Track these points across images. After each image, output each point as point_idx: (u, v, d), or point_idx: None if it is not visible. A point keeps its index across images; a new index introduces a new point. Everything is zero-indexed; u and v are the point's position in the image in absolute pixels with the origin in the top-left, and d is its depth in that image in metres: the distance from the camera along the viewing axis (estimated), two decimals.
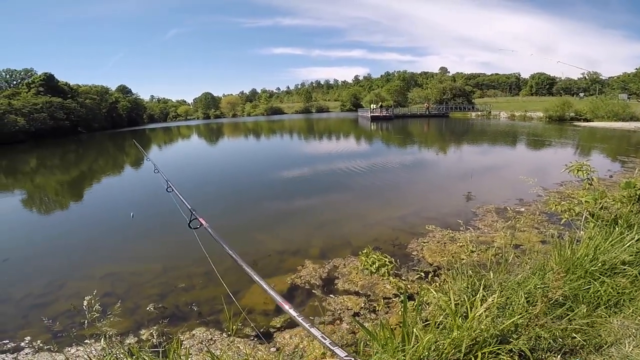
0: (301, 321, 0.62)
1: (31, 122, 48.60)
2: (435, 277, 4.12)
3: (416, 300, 2.69)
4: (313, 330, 0.60)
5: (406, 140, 22.70)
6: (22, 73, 61.69)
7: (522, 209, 6.53)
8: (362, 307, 3.74)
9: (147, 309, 4.07)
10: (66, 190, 13.83)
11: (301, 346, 3.17)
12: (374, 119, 43.38)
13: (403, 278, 4.25)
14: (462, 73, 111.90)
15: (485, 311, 1.94)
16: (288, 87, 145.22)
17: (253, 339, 3.35)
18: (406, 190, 9.47)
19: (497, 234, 5.29)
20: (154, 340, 3.37)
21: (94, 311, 2.41)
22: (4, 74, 61.15)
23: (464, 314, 2.14)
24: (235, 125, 60.80)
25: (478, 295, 2.18)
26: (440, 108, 49.37)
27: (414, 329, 2.04)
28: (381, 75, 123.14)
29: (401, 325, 2.07)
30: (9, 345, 3.57)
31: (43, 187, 14.79)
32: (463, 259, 4.03)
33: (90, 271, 5.44)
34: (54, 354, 3.29)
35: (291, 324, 3.53)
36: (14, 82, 60.74)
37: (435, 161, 14.87)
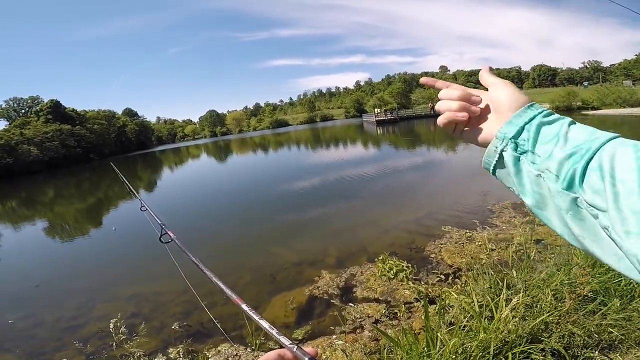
0: (252, 314, 0.65)
1: (44, 151, 49.43)
2: (456, 279, 4.04)
3: (438, 304, 2.64)
4: (262, 322, 0.63)
5: (414, 142, 22.58)
6: (29, 101, 63.02)
7: None
8: (382, 314, 3.68)
9: (173, 327, 4.11)
10: (85, 217, 14.15)
11: (323, 357, 3.15)
12: (379, 123, 43.36)
13: (423, 282, 4.17)
14: (463, 70, 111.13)
15: (511, 311, 1.89)
16: (291, 99, 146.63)
17: None
18: (419, 192, 9.38)
19: (516, 230, 5.17)
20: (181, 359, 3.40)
21: (120, 333, 2.40)
22: (11, 102, 62.70)
23: (489, 316, 2.09)
24: (243, 141, 61.35)
25: (502, 295, 2.13)
26: None
27: (438, 333, 2.00)
28: (382, 79, 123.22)
29: (425, 330, 2.03)
30: None
31: (63, 215, 15.17)
32: (483, 259, 3.95)
33: (116, 293, 5.55)
34: None
35: (312, 336, 3.54)
36: (22, 111, 61.97)
37: (445, 160, 14.72)
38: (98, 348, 3.86)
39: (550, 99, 32.62)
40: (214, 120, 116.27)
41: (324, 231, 7.08)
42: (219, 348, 3.60)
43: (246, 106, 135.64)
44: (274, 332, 0.58)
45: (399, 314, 3.60)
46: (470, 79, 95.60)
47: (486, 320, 2.02)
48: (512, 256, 3.00)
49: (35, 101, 62.62)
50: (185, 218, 10.59)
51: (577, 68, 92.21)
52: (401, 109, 59.40)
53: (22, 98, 63.53)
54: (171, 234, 1.50)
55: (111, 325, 2.39)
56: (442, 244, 5.19)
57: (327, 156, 22.06)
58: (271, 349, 2.22)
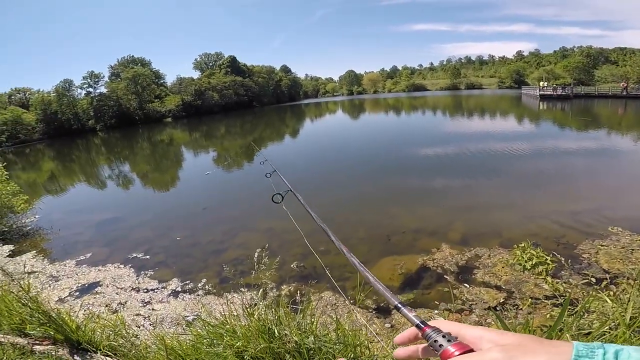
0: (361, 268, 0.79)
1: (222, 97, 62.16)
2: (611, 286, 3.37)
3: (579, 306, 2.20)
4: (368, 275, 0.73)
5: (589, 123, 17.79)
6: (214, 56, 76.90)
7: None
8: (499, 303, 3.41)
9: (292, 266, 4.56)
10: (243, 152, 17.18)
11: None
12: (543, 97, 36.39)
13: (564, 281, 3.63)
14: None
15: None
16: (432, 64, 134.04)
17: (371, 311, 3.44)
18: (584, 182, 7.61)
19: None
20: (297, 298, 3.80)
21: (262, 264, 2.65)
22: (203, 57, 77.38)
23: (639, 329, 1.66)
24: (376, 101, 61.12)
25: None
26: None
27: (567, 334, 1.70)
28: (555, 51, 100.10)
29: (550, 329, 1.76)
30: (189, 286, 4.39)
31: (228, 149, 18.79)
32: None
33: (257, 223, 6.41)
34: (217, 297, 4.02)
35: (413, 304, 3.52)
36: (210, 64, 76.25)
37: (632, 151, 11.18)
38: (231, 274, 4.38)
39: None
40: (352, 79, 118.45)
41: (452, 203, 6.71)
42: (322, 294, 3.89)
43: (383, 68, 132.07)
44: (379, 285, 0.67)
45: (521, 307, 3.26)
46: None
47: (633, 332, 1.62)
48: None
49: (219, 56, 76.53)
50: (311, 167, 11.64)
51: None
52: (577, 85, 47.46)
53: (210, 53, 78.43)
54: (297, 196, 1.63)
55: (255, 255, 2.70)
56: (602, 245, 4.32)
57: (468, 125, 20.00)
58: (366, 307, 2.27)
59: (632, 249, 4.15)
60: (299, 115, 43.30)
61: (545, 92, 37.64)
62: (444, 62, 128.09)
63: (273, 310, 2.13)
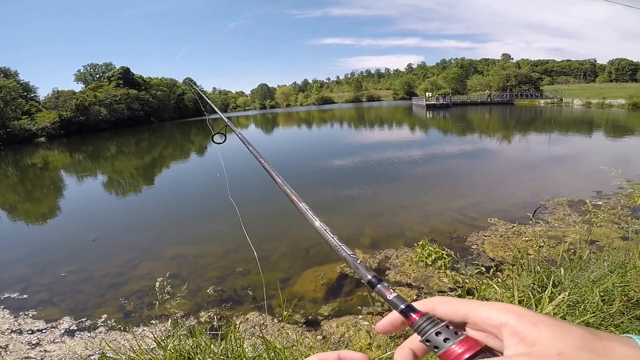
0: (310, 214, 0.62)
1: (112, 112, 54.83)
2: (498, 273, 3.88)
3: (475, 295, 2.55)
4: (318, 222, 0.58)
5: (465, 129, 21.35)
6: (103, 67, 68.08)
7: (600, 202, 5.81)
8: (413, 300, 3.61)
9: (208, 291, 4.22)
10: (140, 174, 15.38)
11: (347, 335, 3.17)
12: (429, 107, 41.90)
13: (461, 272, 4.06)
14: (528, 60, 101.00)
15: (553, 309, 1.79)
16: (338, 77, 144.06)
17: (302, 326, 3.38)
18: (465, 181, 8.96)
19: (570, 228, 4.83)
20: (215, 324, 3.47)
21: (164, 293, 2.50)
22: (88, 68, 68.12)
23: None
24: (289, 115, 62.18)
25: (546, 292, 2.01)
26: (504, 95, 45.67)
27: None
28: (437, 63, 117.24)
29: None
30: (86, 323, 3.90)
31: (121, 171, 16.62)
32: (531, 254, 3.73)
33: (161, 252, 5.79)
34: (124, 333, 3.54)
35: (339, 313, 3.52)
36: (97, 76, 67.27)
37: (498, 150, 13.85)
38: (135, 307, 4.04)
39: (628, 94, 29.55)
40: (265, 93, 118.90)
41: (361, 211, 7.05)
42: (247, 316, 3.66)
43: (295, 82, 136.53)
44: (335, 239, 0.55)
45: None
46: (536, 69, 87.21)
47: None
48: (562, 254, 2.79)
49: (109, 67, 67.62)
50: (222, 183, 11.01)
51: None
52: (455, 95, 56.45)
53: (97, 64, 68.92)
54: (235, 129, 1.42)
55: (157, 284, 2.45)
56: (485, 236, 4.99)
57: (370, 136, 21.70)
58: (296, 322, 2.24)
59: (508, 237, 4.87)
60: (205, 131, 41.24)
61: (430, 102, 43.29)
62: (349, 76, 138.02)
63: (191, 339, 1.95)
